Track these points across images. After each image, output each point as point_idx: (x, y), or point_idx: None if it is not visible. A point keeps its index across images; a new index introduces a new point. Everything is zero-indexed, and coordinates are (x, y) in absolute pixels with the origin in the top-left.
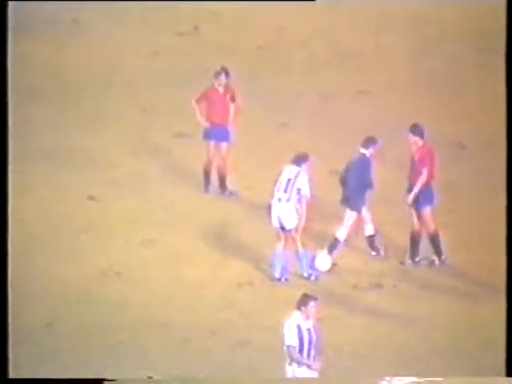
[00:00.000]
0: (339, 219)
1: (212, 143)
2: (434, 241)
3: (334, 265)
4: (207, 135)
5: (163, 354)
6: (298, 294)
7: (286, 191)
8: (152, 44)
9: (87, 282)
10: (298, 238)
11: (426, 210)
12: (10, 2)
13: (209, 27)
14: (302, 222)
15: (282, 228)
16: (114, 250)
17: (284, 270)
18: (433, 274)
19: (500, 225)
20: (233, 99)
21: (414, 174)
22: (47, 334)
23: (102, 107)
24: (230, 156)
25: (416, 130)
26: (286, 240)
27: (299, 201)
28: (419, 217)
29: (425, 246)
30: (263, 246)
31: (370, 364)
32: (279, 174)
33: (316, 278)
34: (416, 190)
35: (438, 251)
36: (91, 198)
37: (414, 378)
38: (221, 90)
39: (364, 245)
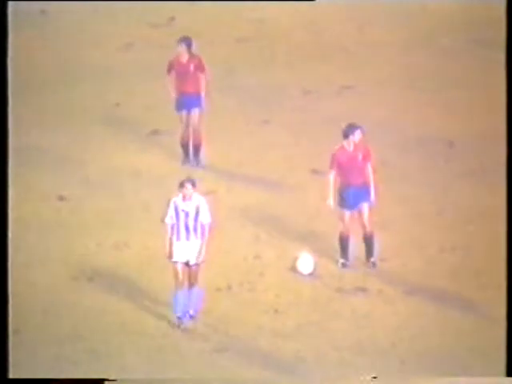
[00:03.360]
0: (323, 219)
1: (184, 113)
2: (370, 241)
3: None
4: (178, 106)
5: (137, 361)
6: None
7: (195, 229)
8: (125, 36)
9: (57, 287)
10: (196, 275)
11: (367, 211)
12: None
13: (185, 18)
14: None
15: (186, 263)
16: (85, 252)
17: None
18: (419, 277)
19: (492, 222)
20: (200, 69)
21: (357, 175)
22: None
23: (72, 102)
24: (203, 126)
25: (353, 129)
26: (184, 276)
27: (202, 234)
28: (360, 218)
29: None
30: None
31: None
32: (176, 211)
33: (191, 317)
34: (373, 187)
35: (371, 252)
36: (61, 198)
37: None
38: (183, 59)
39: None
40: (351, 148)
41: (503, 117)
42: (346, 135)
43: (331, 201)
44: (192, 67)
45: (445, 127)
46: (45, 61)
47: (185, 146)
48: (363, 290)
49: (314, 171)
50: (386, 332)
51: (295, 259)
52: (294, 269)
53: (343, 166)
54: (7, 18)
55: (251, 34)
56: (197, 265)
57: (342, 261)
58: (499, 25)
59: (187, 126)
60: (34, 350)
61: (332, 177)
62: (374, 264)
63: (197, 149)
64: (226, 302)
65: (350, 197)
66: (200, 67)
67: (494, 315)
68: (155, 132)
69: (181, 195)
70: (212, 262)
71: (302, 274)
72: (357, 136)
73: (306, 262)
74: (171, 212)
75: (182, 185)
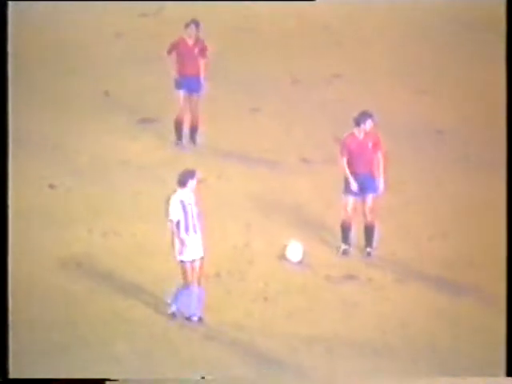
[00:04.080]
0: (312, 207)
1: (182, 93)
2: (371, 231)
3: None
4: (178, 85)
5: (127, 349)
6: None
7: (198, 225)
8: (115, 25)
9: (46, 274)
10: (198, 272)
11: (370, 199)
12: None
13: (174, 7)
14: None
15: (192, 261)
16: (75, 240)
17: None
18: (409, 265)
19: (484, 209)
20: (203, 54)
21: (365, 163)
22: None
23: (62, 91)
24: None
25: (365, 117)
26: (189, 273)
27: (200, 229)
28: (363, 206)
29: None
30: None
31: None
32: (183, 205)
33: (199, 318)
34: (382, 175)
35: (370, 242)
36: (52, 186)
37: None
38: (190, 42)
39: (339, 235)
40: (361, 136)
41: (493, 104)
42: (357, 123)
43: (355, 185)
44: (196, 50)
45: (435, 115)
46: (34, 50)
47: (179, 127)
48: (353, 277)
49: (304, 160)
50: (375, 320)
51: (284, 247)
52: (283, 257)
53: (352, 154)
54: (7, 18)
55: (241, 24)
56: (199, 260)
57: (343, 247)
58: (490, 9)
59: (184, 107)
60: (23, 335)
61: (345, 163)
62: (368, 254)
63: (194, 130)
64: (215, 290)
65: (372, 183)
66: (203, 51)
67: (486, 302)
68: (145, 120)
69: (186, 189)
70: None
71: (291, 262)
72: (368, 125)
73: (295, 250)
74: (176, 207)
75: (188, 177)
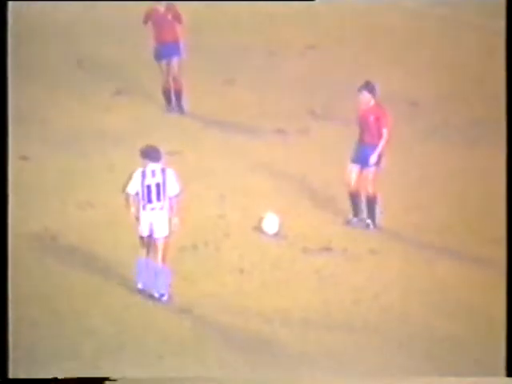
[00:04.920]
0: (288, 178)
1: (164, 62)
2: (371, 203)
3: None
4: (157, 55)
5: (103, 322)
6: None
7: (159, 199)
8: None
9: (20, 247)
10: (161, 250)
11: (371, 171)
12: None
13: None
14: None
15: (150, 236)
16: (49, 212)
17: (149, 282)
18: (383, 236)
19: (456, 182)
20: (179, 19)
21: (369, 135)
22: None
23: (34, 61)
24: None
25: (368, 87)
26: (148, 249)
27: (171, 207)
28: (363, 177)
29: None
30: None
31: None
32: (142, 176)
33: (169, 297)
34: (379, 150)
35: (372, 214)
36: (24, 157)
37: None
38: (161, 9)
39: (315, 206)
40: (364, 106)
41: (469, 76)
42: (359, 92)
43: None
44: (170, 16)
45: (408, 87)
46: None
47: (167, 94)
48: (328, 249)
49: (279, 131)
50: (350, 291)
51: (260, 219)
52: (259, 229)
53: (359, 121)
54: (7, 18)
55: None
56: (161, 239)
57: (352, 218)
58: None
59: (168, 74)
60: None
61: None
62: (367, 225)
63: (178, 96)
64: (191, 262)
65: (359, 153)
66: (177, 17)
67: (461, 269)
68: (119, 92)
69: (150, 164)
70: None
71: (267, 234)
72: (363, 96)
73: (270, 222)
74: (136, 181)
75: (151, 152)
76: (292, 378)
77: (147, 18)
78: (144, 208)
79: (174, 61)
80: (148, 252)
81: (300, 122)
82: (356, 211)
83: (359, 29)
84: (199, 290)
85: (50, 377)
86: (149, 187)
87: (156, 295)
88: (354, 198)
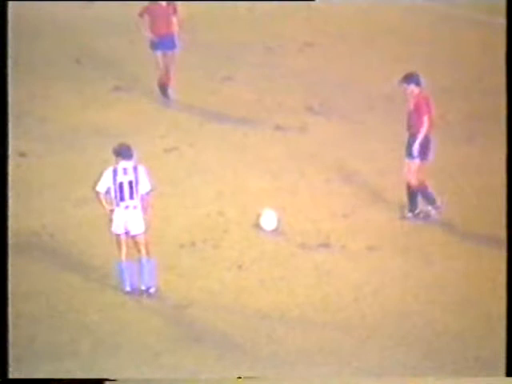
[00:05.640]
0: (286, 175)
1: (159, 53)
2: (424, 193)
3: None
4: (153, 46)
5: (98, 320)
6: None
7: (132, 197)
8: None
9: (18, 244)
10: (143, 245)
11: (416, 163)
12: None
13: None
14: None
15: (127, 233)
16: (47, 209)
17: (134, 281)
18: (382, 232)
19: (455, 177)
20: (175, 12)
21: (411, 125)
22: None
23: (32, 58)
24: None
25: (411, 78)
26: (128, 247)
27: (145, 205)
28: (412, 168)
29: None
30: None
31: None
32: (114, 174)
33: (156, 290)
34: (419, 139)
35: (430, 202)
36: (22, 154)
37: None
38: (163, 3)
39: (313, 202)
40: (407, 97)
41: (469, 71)
42: (399, 86)
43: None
44: (170, 10)
45: None
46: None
47: (162, 87)
48: (326, 245)
49: (277, 127)
50: (348, 287)
51: (258, 216)
52: (257, 225)
53: (406, 115)
54: (7, 18)
55: None
56: (140, 235)
57: (406, 212)
58: None
59: (163, 66)
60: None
61: None
62: (426, 215)
63: (165, 87)
64: (189, 259)
65: (410, 146)
66: (175, 11)
67: (454, 269)
68: (117, 88)
69: (122, 161)
70: (175, 218)
71: (265, 231)
72: (407, 88)
73: (269, 218)
74: (106, 179)
75: (123, 149)
76: (290, 375)
77: (144, 10)
78: (118, 205)
79: (169, 53)
80: (127, 250)
81: (298, 119)
82: (414, 206)
83: (357, 25)
84: (197, 286)
85: (49, 376)
86: (121, 185)
87: (143, 288)
88: (410, 192)
